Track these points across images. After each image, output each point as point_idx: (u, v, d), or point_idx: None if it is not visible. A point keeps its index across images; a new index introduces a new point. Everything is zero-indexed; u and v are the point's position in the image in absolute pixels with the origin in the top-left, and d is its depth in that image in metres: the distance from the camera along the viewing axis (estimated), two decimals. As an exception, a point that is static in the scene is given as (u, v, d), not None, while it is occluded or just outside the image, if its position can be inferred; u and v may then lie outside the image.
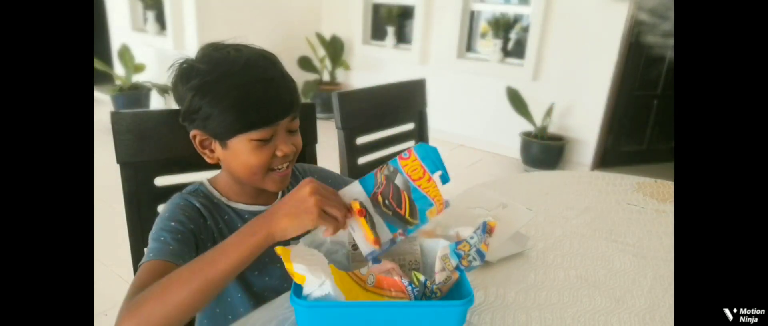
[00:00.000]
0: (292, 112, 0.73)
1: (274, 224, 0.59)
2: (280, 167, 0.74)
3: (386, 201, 0.66)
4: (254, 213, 0.78)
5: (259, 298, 0.80)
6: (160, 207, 0.82)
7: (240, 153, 0.72)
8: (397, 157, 0.68)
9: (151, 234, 0.69)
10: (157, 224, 0.71)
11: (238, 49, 0.73)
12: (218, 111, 0.69)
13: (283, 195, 0.83)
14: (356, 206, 0.64)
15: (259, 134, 0.70)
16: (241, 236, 0.60)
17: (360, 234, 0.64)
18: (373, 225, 0.64)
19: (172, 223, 0.70)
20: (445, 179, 0.67)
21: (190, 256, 0.67)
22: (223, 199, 0.79)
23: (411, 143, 1.34)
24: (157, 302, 0.56)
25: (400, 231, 0.65)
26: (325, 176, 0.91)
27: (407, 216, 0.66)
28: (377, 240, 0.63)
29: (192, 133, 0.74)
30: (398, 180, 0.67)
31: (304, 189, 0.60)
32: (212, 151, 0.75)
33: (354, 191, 0.67)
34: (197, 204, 0.75)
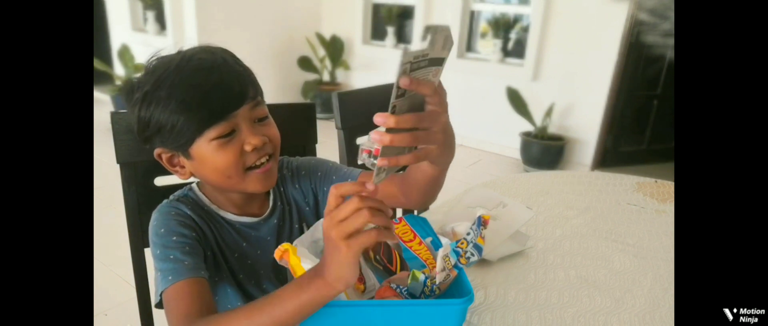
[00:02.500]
0: (248, 98, 0.65)
1: (328, 273, 0.52)
2: (257, 163, 0.67)
3: (377, 257, 0.68)
4: (247, 226, 0.75)
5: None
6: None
7: (206, 158, 0.65)
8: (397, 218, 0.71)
9: (157, 256, 0.64)
10: (156, 243, 0.65)
11: (179, 50, 0.67)
12: (166, 118, 0.62)
13: (274, 206, 0.77)
14: None
15: (217, 131, 0.63)
16: (297, 286, 0.54)
17: None
18: (359, 266, 0.66)
19: (174, 238, 0.65)
20: (436, 245, 0.69)
21: (204, 265, 0.65)
22: (214, 207, 0.74)
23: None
24: None
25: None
26: (315, 167, 0.81)
27: (398, 271, 0.67)
28: (361, 279, 0.64)
29: (156, 152, 0.68)
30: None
31: (328, 228, 0.51)
32: (182, 167, 0.69)
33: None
34: (189, 212, 0.69)
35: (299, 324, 0.55)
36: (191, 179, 0.73)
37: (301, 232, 0.76)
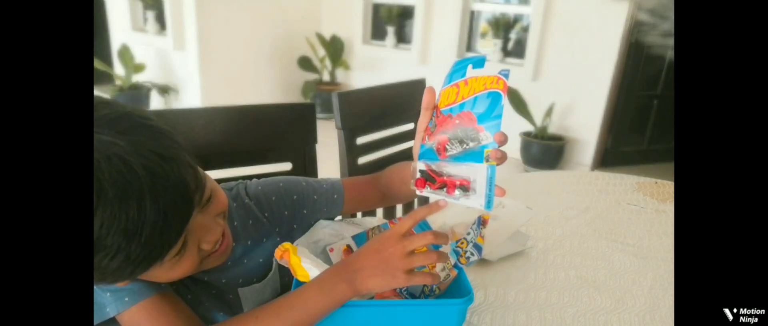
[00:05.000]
0: (196, 206, 0.52)
1: (360, 283, 0.54)
2: (212, 250, 0.57)
3: None
4: (204, 280, 0.66)
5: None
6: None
7: (170, 272, 0.54)
8: (388, 222, 0.72)
9: (97, 286, 0.55)
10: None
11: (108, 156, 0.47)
12: (115, 276, 0.49)
13: (242, 240, 0.67)
14: (344, 248, 0.67)
15: (171, 253, 0.51)
16: (323, 292, 0.54)
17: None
18: None
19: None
20: (435, 246, 0.69)
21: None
22: None
23: (411, 143, 1.34)
24: None
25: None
26: (286, 191, 0.72)
27: None
28: None
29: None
30: None
31: (391, 250, 0.54)
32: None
33: (344, 233, 0.70)
34: None
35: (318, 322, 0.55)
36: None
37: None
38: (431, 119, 0.59)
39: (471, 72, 0.56)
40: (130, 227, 0.45)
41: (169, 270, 0.53)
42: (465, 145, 0.54)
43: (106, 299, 0.55)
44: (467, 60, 0.57)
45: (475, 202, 0.54)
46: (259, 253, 0.70)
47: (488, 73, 0.54)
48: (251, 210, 0.69)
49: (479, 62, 0.56)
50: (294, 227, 0.72)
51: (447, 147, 0.55)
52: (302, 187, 0.72)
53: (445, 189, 0.56)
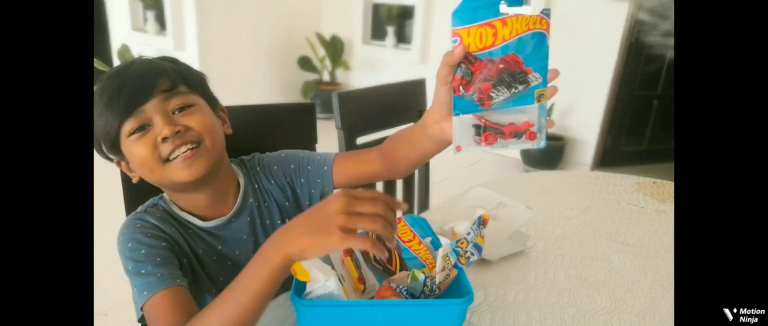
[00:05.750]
0: (156, 89, 0.65)
1: (289, 244, 0.51)
2: (176, 153, 0.65)
3: (376, 257, 0.68)
4: (216, 228, 0.74)
5: None
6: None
7: (130, 155, 0.67)
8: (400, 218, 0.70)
9: (129, 271, 0.64)
10: (127, 257, 0.65)
11: None
12: (97, 127, 0.66)
13: (244, 202, 0.76)
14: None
15: (130, 125, 0.65)
16: (255, 266, 0.53)
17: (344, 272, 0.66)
18: (358, 266, 0.66)
19: (143, 251, 0.65)
20: (436, 245, 0.69)
21: (179, 273, 0.65)
22: (183, 214, 0.73)
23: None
24: None
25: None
26: (286, 160, 0.81)
27: (397, 271, 0.67)
28: (361, 279, 0.65)
29: (115, 161, 0.71)
30: None
31: (332, 206, 0.49)
32: (132, 171, 0.71)
33: None
34: (154, 222, 0.69)
35: (268, 301, 0.53)
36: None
37: None
38: (459, 67, 0.52)
39: (505, 9, 0.50)
40: (104, 90, 0.65)
41: (133, 147, 0.65)
42: (514, 90, 0.51)
43: (136, 297, 0.62)
44: None
45: (537, 144, 0.52)
46: (268, 217, 0.79)
47: (524, 11, 0.50)
48: (259, 176, 0.80)
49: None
50: (297, 193, 0.81)
51: (492, 94, 0.51)
52: (299, 158, 0.81)
53: (515, 138, 0.51)
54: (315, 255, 0.52)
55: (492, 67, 0.51)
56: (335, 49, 4.18)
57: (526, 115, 0.52)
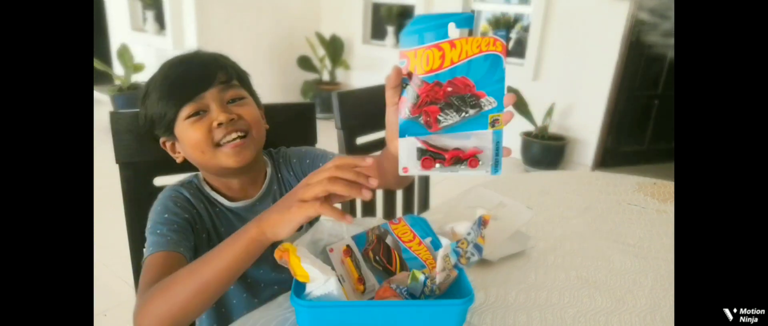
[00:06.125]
0: (215, 80, 0.73)
1: (264, 221, 0.58)
2: (227, 139, 0.73)
3: (377, 258, 0.68)
4: (242, 209, 0.81)
5: (252, 288, 0.83)
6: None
7: (184, 136, 0.73)
8: (388, 222, 0.70)
9: (148, 229, 0.71)
10: (151, 219, 0.72)
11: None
12: (154, 107, 0.73)
13: (269, 187, 0.84)
14: (344, 248, 0.67)
15: (189, 109, 0.72)
16: (234, 236, 0.59)
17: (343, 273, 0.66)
18: (358, 266, 0.67)
19: (166, 215, 0.72)
20: (436, 245, 0.69)
21: (188, 245, 0.71)
22: (213, 194, 0.80)
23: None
24: (162, 301, 0.58)
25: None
26: (304, 155, 0.88)
27: (397, 272, 0.67)
28: (361, 280, 0.65)
29: (161, 141, 0.78)
30: (389, 240, 0.70)
31: (297, 186, 0.58)
32: (179, 152, 0.78)
33: (343, 233, 0.69)
34: (188, 195, 0.77)
35: (237, 273, 0.59)
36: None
37: None
38: (404, 89, 0.51)
39: (455, 32, 0.49)
40: (167, 77, 0.74)
41: (188, 129, 0.72)
42: (464, 113, 0.50)
43: (144, 253, 0.69)
44: (443, 16, 0.49)
45: (481, 171, 0.51)
46: None
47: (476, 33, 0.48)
48: (281, 167, 0.86)
49: (466, 20, 0.48)
50: None
51: (439, 118, 0.50)
52: (315, 154, 0.87)
53: (457, 164, 0.51)
54: (284, 229, 0.57)
55: (439, 90, 0.50)
56: (335, 48, 4.18)
57: (477, 140, 0.51)
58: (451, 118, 0.50)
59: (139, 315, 0.59)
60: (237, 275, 0.60)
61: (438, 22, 0.49)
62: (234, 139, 0.73)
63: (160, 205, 0.74)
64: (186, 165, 0.82)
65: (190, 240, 0.72)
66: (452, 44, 0.49)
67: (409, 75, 0.50)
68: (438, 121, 0.50)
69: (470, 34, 0.51)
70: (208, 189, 0.80)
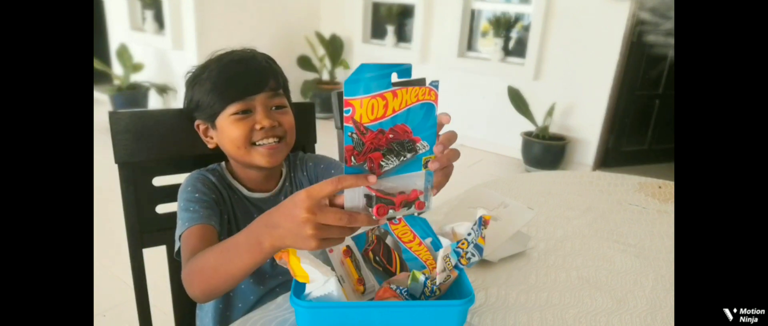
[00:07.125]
0: (266, 88, 0.79)
1: (279, 241, 0.56)
2: (263, 142, 0.79)
3: (377, 258, 0.69)
4: (259, 200, 0.86)
5: (256, 273, 0.86)
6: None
7: (225, 129, 0.79)
8: (387, 222, 0.69)
9: (180, 208, 0.77)
10: (182, 198, 0.78)
11: (232, 49, 0.83)
12: (204, 95, 0.79)
13: (283, 185, 0.89)
14: (344, 249, 0.67)
15: (236, 107, 0.77)
16: (250, 246, 0.59)
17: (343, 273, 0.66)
18: (358, 267, 0.67)
19: (196, 195, 0.78)
20: (436, 246, 0.69)
21: (217, 220, 0.77)
22: (234, 182, 0.85)
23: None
24: (200, 280, 0.66)
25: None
26: (319, 161, 0.94)
27: (397, 272, 0.67)
28: (361, 280, 0.66)
29: (195, 123, 0.84)
30: (389, 241, 0.70)
31: (300, 215, 0.53)
32: (211, 138, 0.83)
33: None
34: (213, 180, 0.83)
35: (250, 272, 0.62)
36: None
37: None
38: (349, 138, 0.52)
39: (396, 80, 0.52)
40: (223, 71, 0.79)
41: (231, 125, 0.78)
42: (403, 158, 0.53)
43: (178, 230, 0.75)
44: (386, 67, 0.51)
45: (425, 211, 0.56)
46: None
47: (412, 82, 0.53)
48: (296, 168, 0.93)
49: (405, 71, 0.52)
50: None
51: (382, 163, 0.53)
52: (328, 161, 0.94)
53: (405, 207, 0.55)
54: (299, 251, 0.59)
55: (382, 137, 0.52)
56: (335, 48, 4.17)
57: (415, 181, 0.54)
58: (392, 163, 0.53)
59: (192, 284, 0.66)
60: (250, 272, 0.63)
61: (382, 72, 0.51)
62: (270, 143, 0.79)
63: (190, 185, 0.80)
64: (190, 163, 0.85)
65: (219, 216, 0.79)
66: (394, 94, 0.52)
67: (356, 123, 0.51)
68: (381, 166, 0.53)
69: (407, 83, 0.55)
70: (230, 177, 0.86)
